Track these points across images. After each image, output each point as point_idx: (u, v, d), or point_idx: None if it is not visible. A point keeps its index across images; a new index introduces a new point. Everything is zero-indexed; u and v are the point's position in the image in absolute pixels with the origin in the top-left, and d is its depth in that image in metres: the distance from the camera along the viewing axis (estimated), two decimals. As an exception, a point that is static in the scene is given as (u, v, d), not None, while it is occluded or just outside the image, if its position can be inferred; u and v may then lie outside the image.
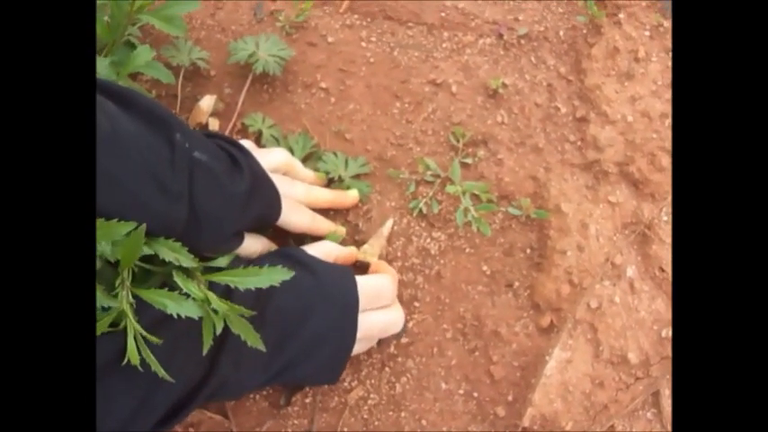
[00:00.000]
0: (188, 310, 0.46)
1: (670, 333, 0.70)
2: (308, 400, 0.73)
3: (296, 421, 0.72)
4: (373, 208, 0.76)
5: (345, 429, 0.72)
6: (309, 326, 0.60)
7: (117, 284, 0.47)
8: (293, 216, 0.66)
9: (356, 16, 0.83)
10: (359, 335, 0.64)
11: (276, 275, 0.50)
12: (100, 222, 0.44)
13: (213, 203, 0.53)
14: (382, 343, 0.73)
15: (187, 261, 0.49)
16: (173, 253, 0.49)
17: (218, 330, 0.47)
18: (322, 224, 0.70)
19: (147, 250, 0.48)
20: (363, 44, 0.82)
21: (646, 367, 0.70)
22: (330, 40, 0.81)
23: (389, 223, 0.73)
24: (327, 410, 0.72)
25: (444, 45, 0.81)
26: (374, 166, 0.77)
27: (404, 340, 0.74)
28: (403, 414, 0.72)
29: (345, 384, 0.73)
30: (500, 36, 0.81)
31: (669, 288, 0.71)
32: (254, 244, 0.63)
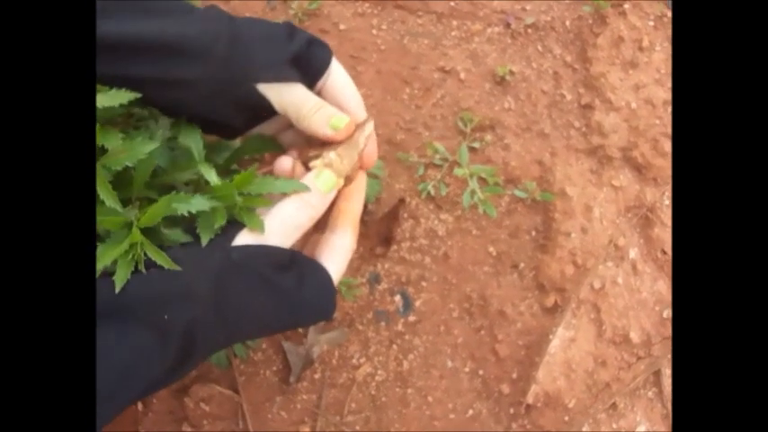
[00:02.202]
0: (196, 205, 0.47)
1: (671, 314, 0.72)
2: (317, 376, 0.74)
3: (305, 396, 0.74)
4: (383, 190, 0.77)
5: (353, 405, 0.74)
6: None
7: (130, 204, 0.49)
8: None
9: (367, 5, 0.85)
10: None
11: (292, 185, 0.50)
12: (125, 144, 0.45)
13: (255, 28, 0.50)
14: (390, 321, 0.75)
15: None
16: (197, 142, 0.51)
17: (224, 221, 0.48)
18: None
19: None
20: (374, 32, 0.84)
21: (647, 347, 0.72)
22: (342, 27, 0.83)
23: (370, 126, 0.53)
24: (336, 386, 0.74)
25: (453, 33, 0.83)
26: (384, 149, 0.79)
27: (411, 318, 0.75)
28: (409, 390, 0.74)
29: (354, 361, 0.75)
30: (508, 25, 0.83)
31: (671, 270, 0.73)
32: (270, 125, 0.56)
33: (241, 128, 0.54)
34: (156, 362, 0.43)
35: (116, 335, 0.42)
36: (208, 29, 0.47)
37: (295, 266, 0.48)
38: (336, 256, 0.50)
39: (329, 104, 0.52)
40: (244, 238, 0.47)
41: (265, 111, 0.51)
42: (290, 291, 0.47)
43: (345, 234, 0.51)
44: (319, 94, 0.54)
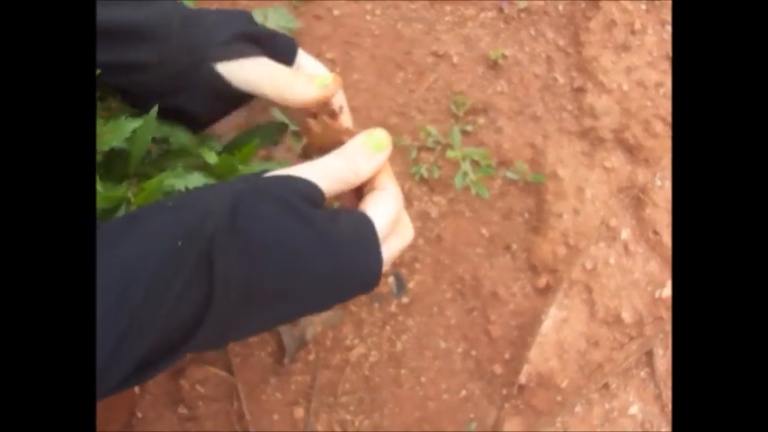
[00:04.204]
0: (193, 181, 0.47)
1: (663, 294, 0.72)
2: (311, 357, 0.75)
3: (299, 377, 0.74)
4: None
5: (347, 385, 0.74)
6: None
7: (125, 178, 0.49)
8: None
9: (361, -10, 0.85)
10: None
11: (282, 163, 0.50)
12: (110, 125, 0.45)
13: (211, 12, 0.47)
14: (384, 302, 0.76)
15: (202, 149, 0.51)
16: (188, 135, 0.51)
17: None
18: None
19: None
20: (368, 17, 0.84)
21: (639, 327, 0.72)
22: (336, 13, 0.84)
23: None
24: (329, 367, 0.75)
25: (446, 18, 0.84)
26: (377, 133, 0.79)
27: (404, 300, 0.76)
28: (403, 371, 0.74)
29: (347, 342, 0.75)
30: (501, 10, 0.84)
31: (663, 250, 0.73)
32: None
33: (207, 116, 0.51)
34: (170, 282, 0.34)
35: (127, 245, 0.35)
36: (158, 12, 0.44)
37: (331, 210, 0.41)
38: (381, 204, 0.41)
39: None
40: (275, 171, 0.40)
41: (230, 96, 0.48)
42: (321, 223, 0.38)
43: (387, 185, 0.42)
44: None
